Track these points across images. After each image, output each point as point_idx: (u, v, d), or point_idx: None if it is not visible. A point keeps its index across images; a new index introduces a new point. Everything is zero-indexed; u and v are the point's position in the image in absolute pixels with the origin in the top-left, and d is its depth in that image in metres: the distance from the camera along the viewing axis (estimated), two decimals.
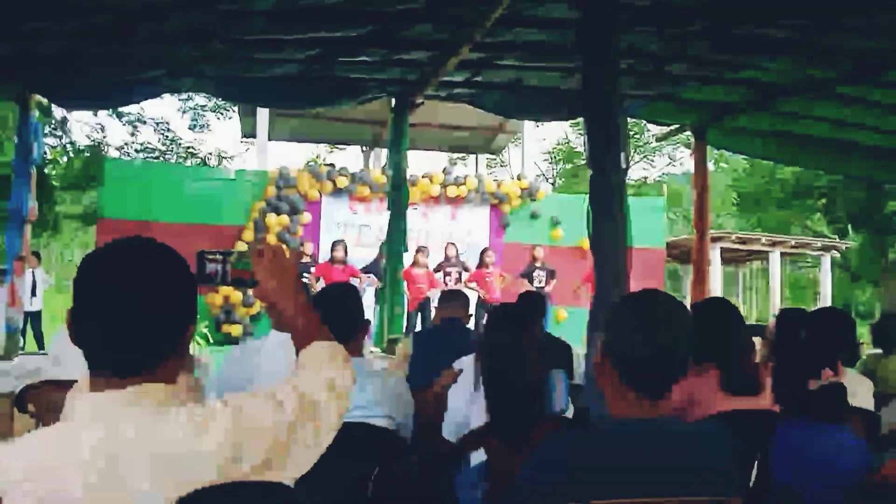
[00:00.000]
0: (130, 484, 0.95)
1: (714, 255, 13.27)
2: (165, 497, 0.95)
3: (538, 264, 10.13)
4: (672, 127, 7.70)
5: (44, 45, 5.10)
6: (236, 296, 10.23)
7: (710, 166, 8.49)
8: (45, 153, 14.21)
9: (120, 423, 0.99)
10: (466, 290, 9.10)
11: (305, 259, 9.62)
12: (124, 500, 0.95)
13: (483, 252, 10.09)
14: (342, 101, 6.73)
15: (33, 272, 10.34)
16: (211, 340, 9.68)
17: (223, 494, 0.59)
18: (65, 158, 19.57)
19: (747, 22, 4.77)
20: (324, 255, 10.38)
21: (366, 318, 2.42)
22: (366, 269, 9.56)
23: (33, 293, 9.98)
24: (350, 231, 11.15)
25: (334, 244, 9.46)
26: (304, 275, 9.19)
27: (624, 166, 3.38)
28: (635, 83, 5.86)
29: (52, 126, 18.65)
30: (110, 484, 0.95)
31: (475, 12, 4.71)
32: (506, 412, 2.33)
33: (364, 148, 16.63)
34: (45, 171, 14.90)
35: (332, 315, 2.08)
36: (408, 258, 8.89)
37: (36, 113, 6.45)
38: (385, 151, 12.82)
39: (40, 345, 10.15)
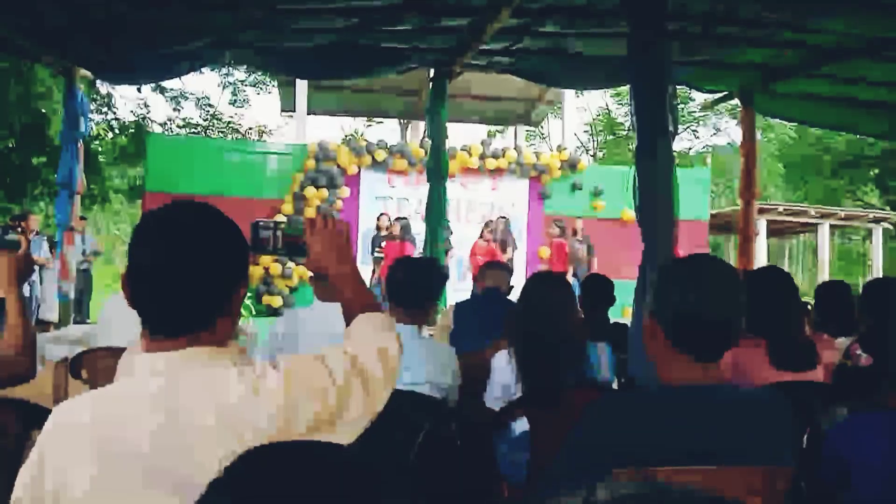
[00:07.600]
0: (191, 436, 0.97)
1: (760, 226, 12.94)
2: (226, 450, 0.96)
3: (580, 237, 10.07)
4: (718, 94, 7.46)
5: (87, 15, 5.15)
6: (276, 267, 10.36)
7: (757, 135, 8.21)
8: (91, 128, 14.48)
9: (177, 379, 1.00)
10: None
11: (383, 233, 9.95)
12: (185, 452, 0.97)
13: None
14: (381, 70, 6.68)
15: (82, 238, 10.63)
16: (253, 311, 9.86)
17: (283, 452, 0.60)
18: (110, 134, 19.93)
19: None
20: (363, 228, 10.53)
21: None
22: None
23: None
24: (389, 204, 11.19)
25: (397, 220, 9.76)
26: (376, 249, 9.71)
27: (672, 129, 3.28)
28: (681, 47, 5.67)
29: (98, 102, 18.98)
30: (171, 436, 0.97)
31: None
32: (539, 370, 2.30)
33: (401, 121, 16.59)
34: (92, 146, 15.20)
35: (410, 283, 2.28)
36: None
37: (82, 87, 6.55)
38: (422, 125, 12.77)
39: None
